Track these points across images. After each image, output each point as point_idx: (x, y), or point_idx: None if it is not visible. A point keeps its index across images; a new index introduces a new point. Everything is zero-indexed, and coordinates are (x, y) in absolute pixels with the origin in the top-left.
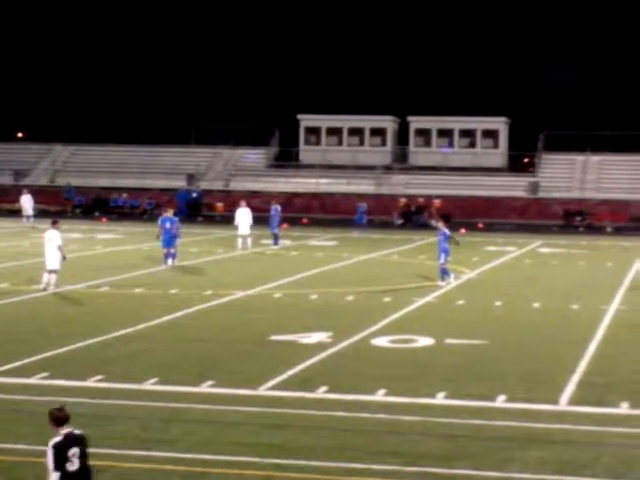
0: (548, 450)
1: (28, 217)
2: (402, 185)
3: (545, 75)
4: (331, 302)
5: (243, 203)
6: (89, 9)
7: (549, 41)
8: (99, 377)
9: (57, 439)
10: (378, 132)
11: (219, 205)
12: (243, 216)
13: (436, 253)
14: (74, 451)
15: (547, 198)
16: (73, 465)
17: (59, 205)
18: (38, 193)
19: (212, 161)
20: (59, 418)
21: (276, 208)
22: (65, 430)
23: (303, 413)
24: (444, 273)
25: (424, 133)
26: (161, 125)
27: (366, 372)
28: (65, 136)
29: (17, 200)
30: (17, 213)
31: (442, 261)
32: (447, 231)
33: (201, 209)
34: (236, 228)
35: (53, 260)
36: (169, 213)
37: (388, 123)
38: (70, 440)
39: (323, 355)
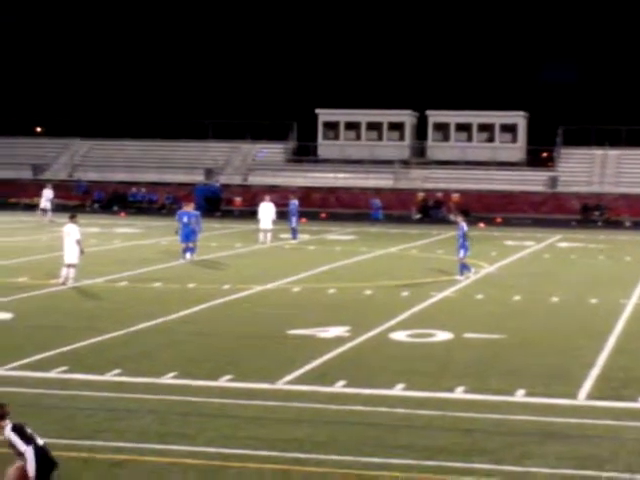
0: (566, 445)
1: (46, 211)
2: (420, 180)
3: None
4: (349, 296)
5: (267, 197)
6: (107, 4)
7: (568, 36)
8: (118, 371)
9: (10, 425)
10: (396, 126)
11: (237, 200)
12: (266, 210)
13: (454, 248)
14: (29, 429)
15: (565, 192)
16: (38, 439)
17: (78, 199)
18: (57, 188)
19: (230, 156)
20: (3, 412)
21: (294, 203)
22: (7, 420)
23: (321, 407)
24: (464, 267)
25: (442, 127)
26: (179, 120)
27: (384, 366)
28: (83, 131)
29: (37, 194)
30: (36, 207)
31: (461, 256)
32: (465, 226)
33: (220, 204)
34: (258, 222)
35: (71, 254)
36: (188, 207)
37: (406, 117)
38: (19, 423)
39: (341, 349)
